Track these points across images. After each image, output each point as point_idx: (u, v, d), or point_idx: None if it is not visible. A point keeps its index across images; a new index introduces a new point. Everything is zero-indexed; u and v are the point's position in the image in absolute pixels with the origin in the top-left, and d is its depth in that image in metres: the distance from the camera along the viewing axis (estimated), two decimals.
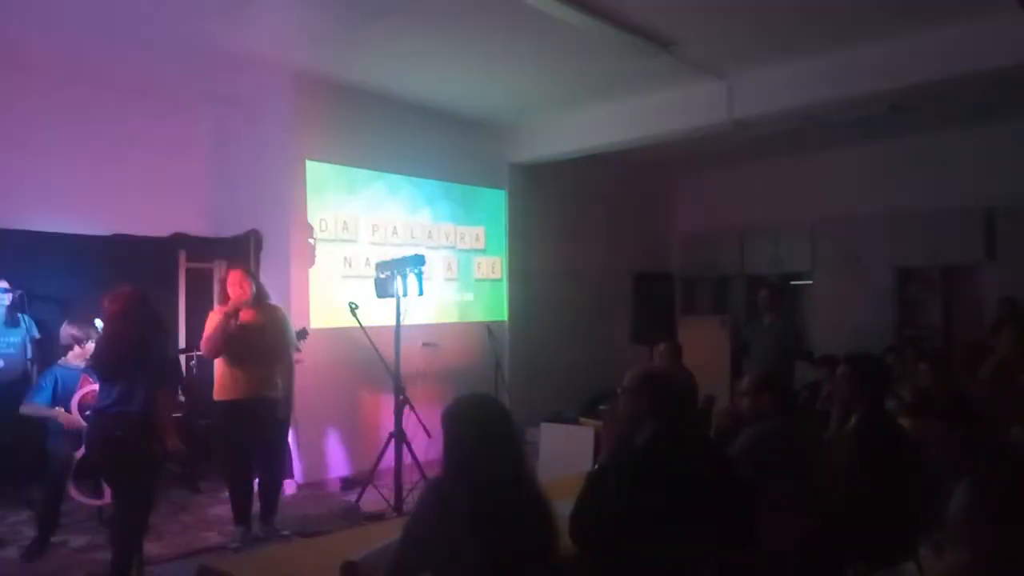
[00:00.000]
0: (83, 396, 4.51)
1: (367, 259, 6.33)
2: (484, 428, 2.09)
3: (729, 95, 6.14)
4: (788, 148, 8.20)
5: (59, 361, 4.66)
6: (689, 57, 5.63)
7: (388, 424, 5.54)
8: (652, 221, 9.56)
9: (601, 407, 6.02)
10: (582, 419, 5.94)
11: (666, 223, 9.77)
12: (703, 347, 7.93)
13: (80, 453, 4.44)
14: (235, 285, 4.58)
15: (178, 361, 5.83)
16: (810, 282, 8.67)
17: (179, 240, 6.21)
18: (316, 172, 6.18)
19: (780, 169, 8.67)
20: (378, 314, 5.68)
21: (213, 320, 4.59)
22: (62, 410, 4.48)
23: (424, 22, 4.98)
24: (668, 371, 2.61)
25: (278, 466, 4.79)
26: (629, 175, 8.92)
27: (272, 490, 4.70)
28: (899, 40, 5.22)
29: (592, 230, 8.55)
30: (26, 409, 4.53)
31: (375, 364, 5.40)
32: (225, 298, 4.62)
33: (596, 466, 2.62)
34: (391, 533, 2.40)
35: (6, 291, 5.12)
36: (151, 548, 4.08)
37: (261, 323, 4.63)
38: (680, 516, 2.33)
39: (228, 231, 6.38)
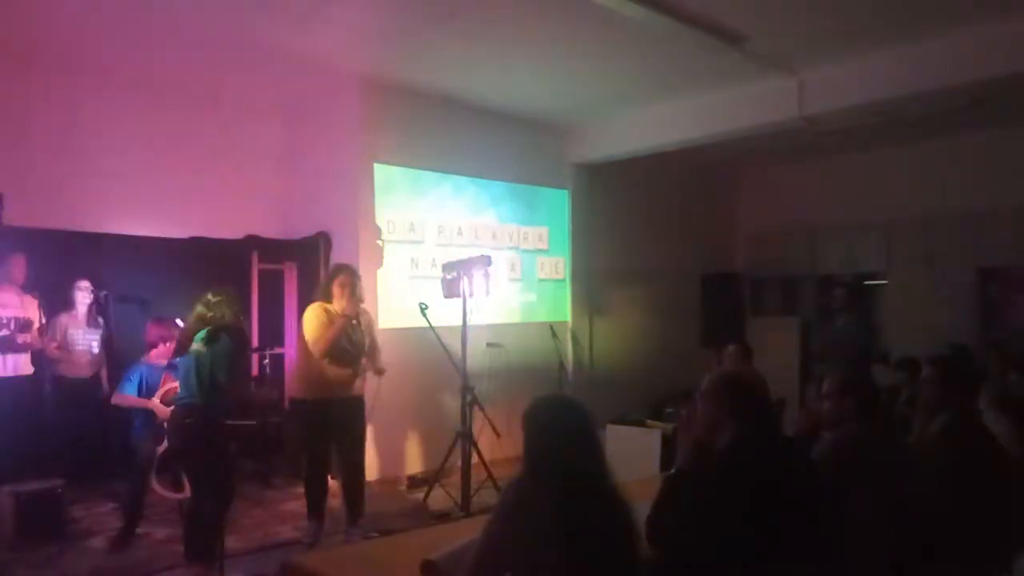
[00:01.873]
0: (165, 392, 4.68)
1: (433, 260, 6.40)
2: (565, 429, 2.08)
3: (800, 91, 5.99)
4: (861, 144, 7.95)
5: (143, 359, 4.83)
6: (758, 52, 5.51)
7: (454, 423, 5.58)
8: (719, 220, 9.39)
9: (668, 409, 5.93)
10: (649, 421, 5.86)
11: (733, 222, 9.57)
12: (772, 349, 7.76)
13: (162, 447, 4.61)
14: (345, 286, 4.63)
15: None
16: (885, 282, 8.39)
17: (252, 242, 6.39)
18: (384, 174, 6.28)
19: (852, 166, 8.41)
20: (443, 314, 5.72)
21: (321, 317, 4.59)
22: (156, 401, 4.65)
23: (490, 24, 5.00)
24: (748, 374, 2.55)
25: (361, 466, 4.81)
26: (695, 173, 8.79)
27: (357, 490, 4.73)
28: (982, 29, 5.00)
29: (656, 230, 8.44)
30: (117, 400, 4.72)
31: (441, 363, 5.44)
32: (328, 295, 4.67)
33: (673, 470, 2.58)
34: (469, 533, 2.41)
35: (89, 291, 5.35)
36: (227, 542, 4.19)
37: (358, 324, 4.69)
38: (762, 522, 2.28)
39: (299, 233, 6.53)
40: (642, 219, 8.29)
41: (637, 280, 8.16)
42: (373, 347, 4.81)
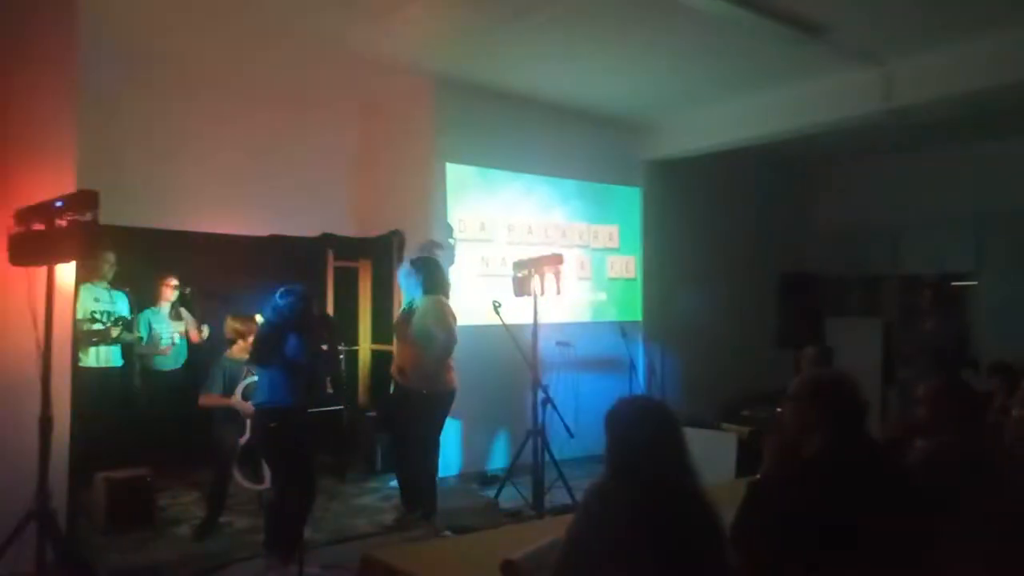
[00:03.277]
0: (245, 387, 4.81)
1: (503, 258, 6.42)
2: (649, 431, 2.03)
3: (886, 82, 5.75)
4: (950, 137, 7.57)
5: (225, 354, 4.97)
6: (842, 43, 5.32)
7: (525, 421, 5.57)
8: (796, 218, 9.10)
9: (744, 412, 5.79)
10: (724, 424, 5.73)
11: (811, 219, 9.27)
12: (853, 352, 7.48)
13: (243, 440, 4.75)
14: None
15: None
16: (974, 283, 7.99)
17: (328, 240, 6.51)
18: (455, 174, 6.33)
19: (940, 159, 8.01)
20: (512, 312, 5.70)
21: None
22: (239, 398, 4.79)
23: (564, 21, 4.98)
24: (840, 377, 2.45)
25: (408, 460, 4.88)
26: (772, 170, 8.55)
27: (416, 483, 4.80)
28: None
29: (731, 227, 8.23)
30: (205, 400, 4.84)
31: (512, 362, 5.44)
32: None
33: (759, 475, 2.50)
34: (547, 533, 2.40)
35: (176, 287, 5.55)
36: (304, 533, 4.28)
37: (408, 318, 4.80)
38: (852, 533, 2.19)
39: (373, 231, 6.64)
40: (716, 217, 8.10)
41: (711, 279, 7.98)
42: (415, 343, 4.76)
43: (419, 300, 4.83)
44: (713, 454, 5.58)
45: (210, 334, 5.69)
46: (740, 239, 8.30)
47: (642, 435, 2.02)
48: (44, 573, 3.24)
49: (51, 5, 4.01)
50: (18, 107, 3.88)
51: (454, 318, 4.86)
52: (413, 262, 5.01)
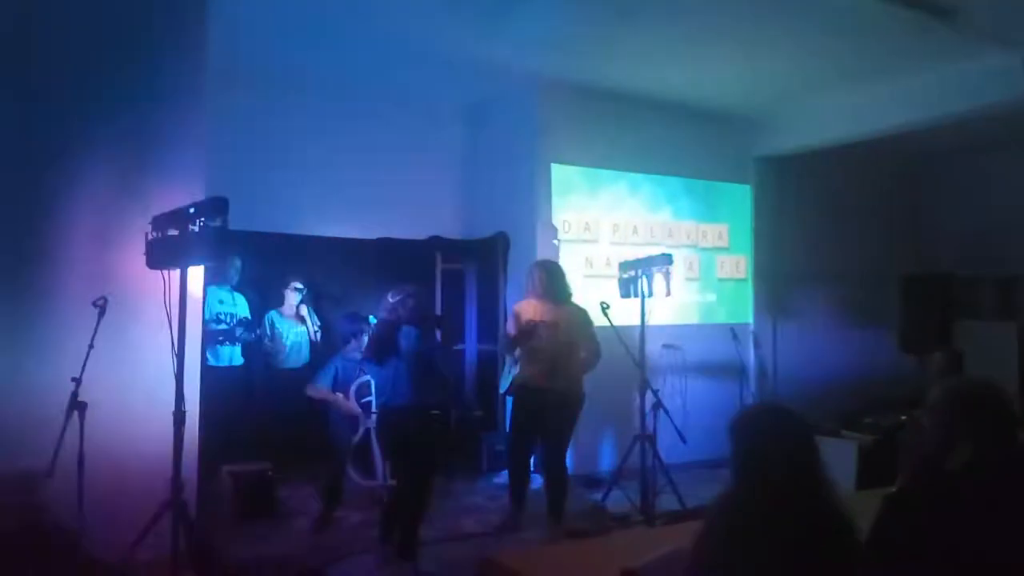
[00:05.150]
0: (359, 386, 4.96)
1: (607, 259, 6.34)
2: (780, 440, 1.94)
3: None
4: None
5: (340, 352, 5.14)
6: (976, 26, 4.94)
7: (631, 424, 5.48)
8: (920, 214, 8.55)
9: (867, 420, 5.50)
10: (844, 432, 5.46)
11: (936, 216, 8.69)
12: (985, 357, 6.96)
13: (357, 438, 4.89)
14: (526, 284, 5.00)
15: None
16: None
17: (435, 242, 6.62)
18: (560, 174, 6.31)
19: None
20: (617, 314, 5.61)
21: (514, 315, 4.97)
22: (341, 396, 4.96)
23: (674, 15, 4.85)
24: (991, 384, 2.26)
25: (555, 463, 4.89)
26: (894, 164, 8.07)
27: (553, 486, 4.83)
28: None
29: (850, 225, 7.82)
30: (310, 391, 5.06)
31: (618, 364, 5.35)
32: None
33: (895, 489, 2.34)
34: (665, 540, 2.33)
35: (299, 290, 5.78)
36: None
37: (555, 321, 4.82)
38: (1003, 553, 2.01)
39: (479, 233, 6.70)
40: (833, 214, 7.71)
41: (827, 280, 7.61)
42: (569, 346, 4.85)
43: (565, 305, 4.93)
44: (832, 463, 5.31)
45: (323, 334, 5.89)
46: (858, 237, 7.88)
47: (772, 444, 1.93)
48: (178, 559, 3.43)
49: (183, 25, 4.25)
50: (154, 123, 4.15)
51: None
52: (540, 264, 5.12)
